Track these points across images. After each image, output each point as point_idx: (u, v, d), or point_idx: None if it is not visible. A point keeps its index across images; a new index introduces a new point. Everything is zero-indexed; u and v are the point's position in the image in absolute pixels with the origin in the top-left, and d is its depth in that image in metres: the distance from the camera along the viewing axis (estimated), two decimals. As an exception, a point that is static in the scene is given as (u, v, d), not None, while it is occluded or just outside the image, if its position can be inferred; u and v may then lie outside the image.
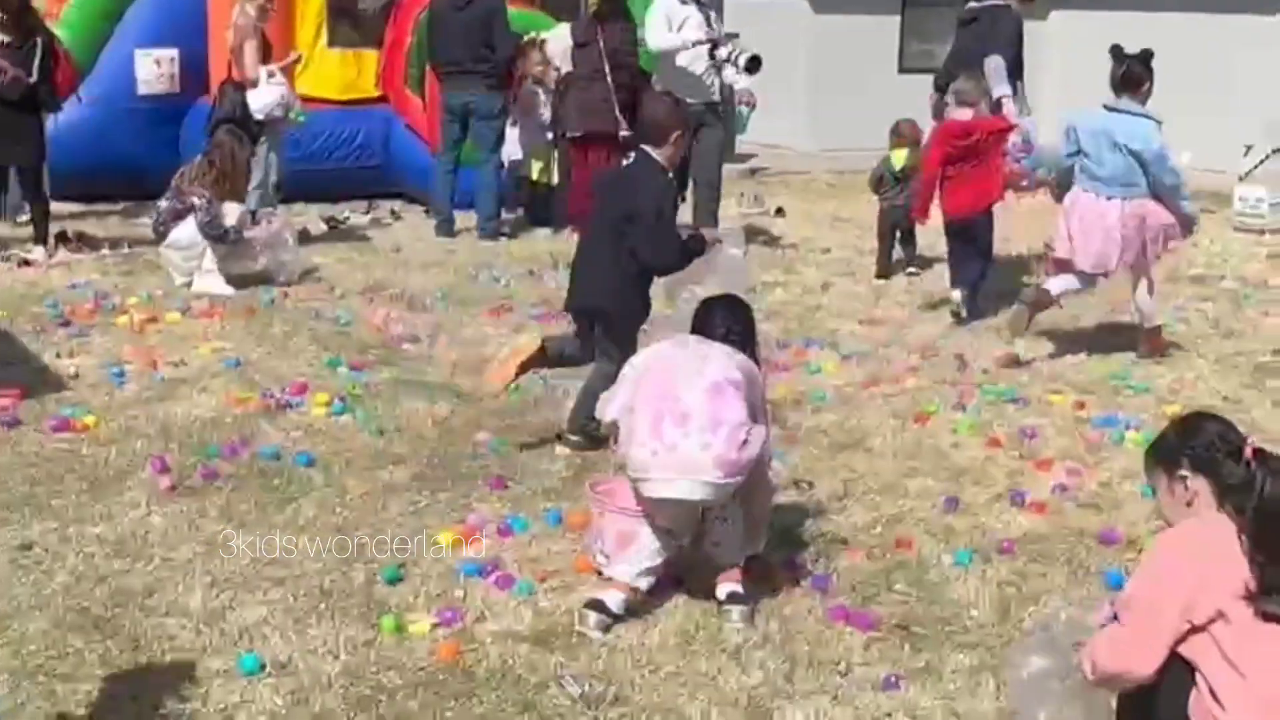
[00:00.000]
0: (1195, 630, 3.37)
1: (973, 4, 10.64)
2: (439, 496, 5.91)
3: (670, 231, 6.47)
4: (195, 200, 9.46)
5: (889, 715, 4.24)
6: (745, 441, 4.79)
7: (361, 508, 5.77)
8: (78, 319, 8.64)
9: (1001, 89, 9.97)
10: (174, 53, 12.88)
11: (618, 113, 11.23)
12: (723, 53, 11.11)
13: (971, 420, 7.11)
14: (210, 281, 9.46)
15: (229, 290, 9.41)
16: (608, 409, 5.12)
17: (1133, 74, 8.14)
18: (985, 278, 9.56)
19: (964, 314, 9.28)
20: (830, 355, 8.38)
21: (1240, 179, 14.41)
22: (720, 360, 4.95)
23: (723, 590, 4.87)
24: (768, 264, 11.00)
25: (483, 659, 4.49)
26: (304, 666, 4.39)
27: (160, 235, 9.69)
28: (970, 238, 9.46)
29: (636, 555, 4.91)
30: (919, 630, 4.81)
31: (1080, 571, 5.32)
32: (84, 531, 5.34)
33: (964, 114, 9.39)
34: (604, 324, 6.51)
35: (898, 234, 10.91)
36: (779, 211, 13.69)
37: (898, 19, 18.65)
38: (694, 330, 5.25)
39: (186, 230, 9.47)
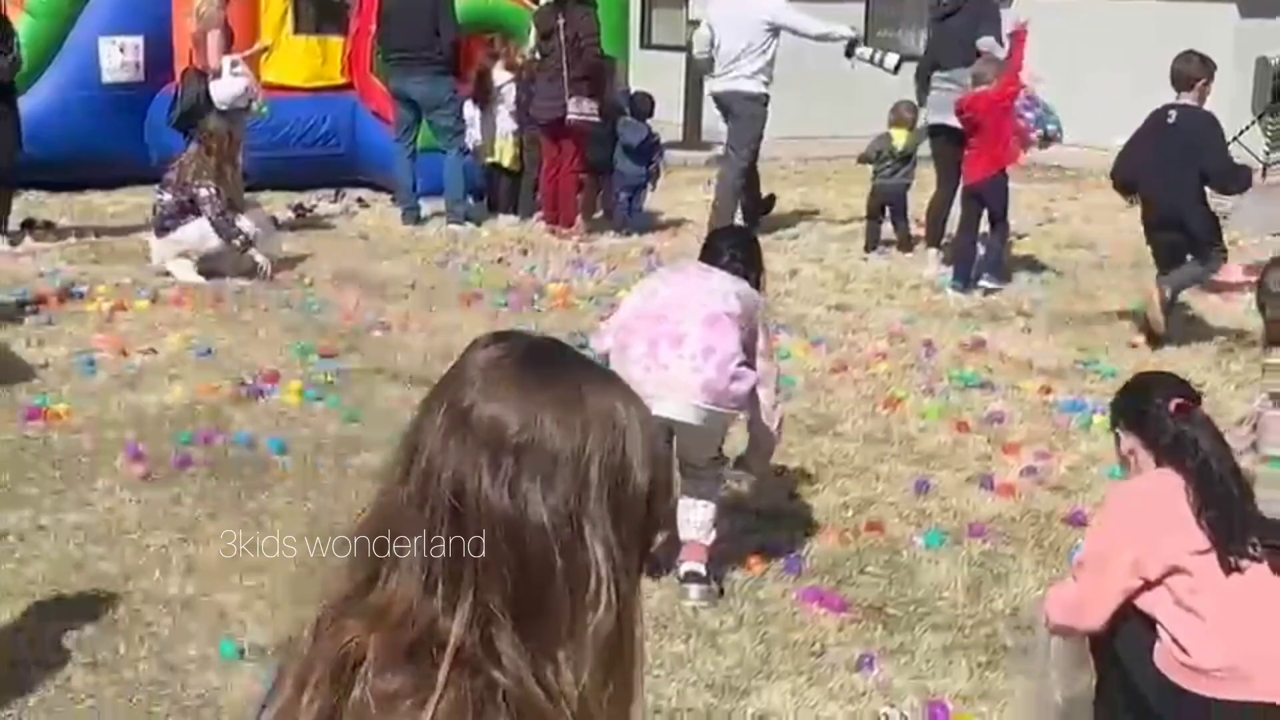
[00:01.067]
0: (1150, 585, 3.46)
1: None
2: (413, 482, 5.94)
3: None
4: (203, 192, 9.40)
5: (864, 695, 4.30)
6: (735, 376, 4.82)
7: (336, 494, 5.78)
8: (46, 307, 8.60)
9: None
10: (138, 40, 12.78)
11: (570, 106, 11.21)
12: (864, 52, 11.60)
13: (940, 405, 7.19)
14: (182, 268, 9.43)
15: (199, 279, 9.37)
16: (602, 340, 5.08)
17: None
18: (1003, 242, 10.15)
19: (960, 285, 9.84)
20: (799, 340, 8.44)
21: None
22: (720, 289, 4.96)
23: (684, 568, 4.92)
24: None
25: (460, 642, 4.52)
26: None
27: (163, 229, 9.60)
28: (982, 203, 9.90)
29: None
30: (892, 611, 4.87)
31: (1049, 553, 5.39)
32: (60, 519, 5.34)
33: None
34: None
35: (886, 210, 11.31)
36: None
37: (863, 7, 18.65)
38: (702, 257, 5.29)
39: (197, 228, 9.43)
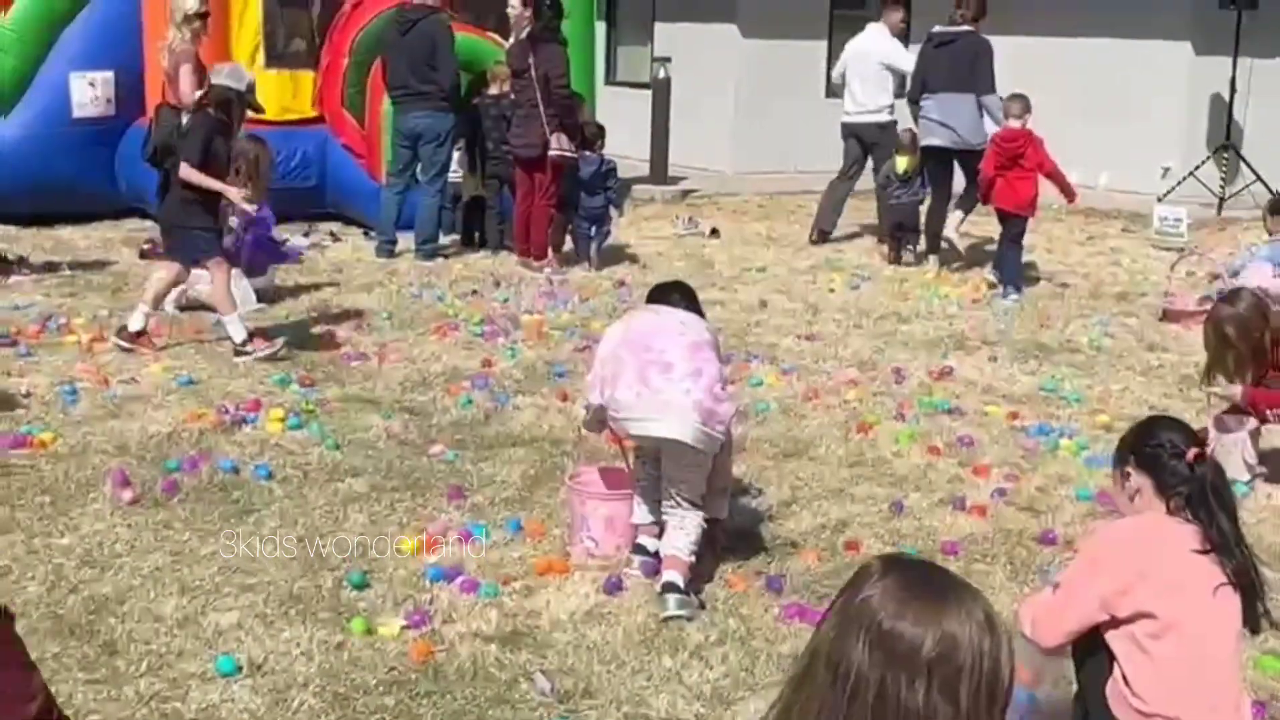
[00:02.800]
0: (1117, 623, 3.54)
1: (944, 29, 11.93)
2: (397, 506, 6.01)
3: None
4: (256, 213, 9.60)
5: (845, 705, 4.39)
6: (720, 398, 5.06)
7: (323, 517, 5.85)
8: (24, 339, 8.64)
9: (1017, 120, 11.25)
10: (109, 75, 12.83)
11: (547, 134, 11.35)
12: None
13: (911, 430, 7.30)
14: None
15: (176, 311, 9.44)
16: (592, 394, 5.20)
17: None
18: (1017, 263, 11.37)
19: (998, 285, 11.17)
20: (771, 369, 8.55)
21: (1159, 199, 14.80)
22: (695, 323, 5.29)
23: (663, 578, 5.03)
24: (706, 283, 11.16)
25: (454, 658, 4.60)
26: (279, 668, 4.49)
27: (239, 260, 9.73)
28: (1023, 222, 11.31)
29: (638, 511, 5.32)
30: (870, 626, 4.97)
31: (1021, 569, 5.50)
32: (51, 543, 5.40)
33: (1014, 124, 11.02)
34: None
35: (898, 228, 12.53)
36: (714, 233, 13.86)
37: (824, 44, 18.86)
38: (652, 301, 5.55)
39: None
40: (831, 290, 11.24)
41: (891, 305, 10.66)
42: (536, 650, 4.70)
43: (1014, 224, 11.27)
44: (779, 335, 9.54)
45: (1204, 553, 3.56)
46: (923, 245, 12.47)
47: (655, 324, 5.26)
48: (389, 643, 4.70)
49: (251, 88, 8.86)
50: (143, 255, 11.45)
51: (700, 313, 5.54)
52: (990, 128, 11.58)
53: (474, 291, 10.64)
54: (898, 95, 13.13)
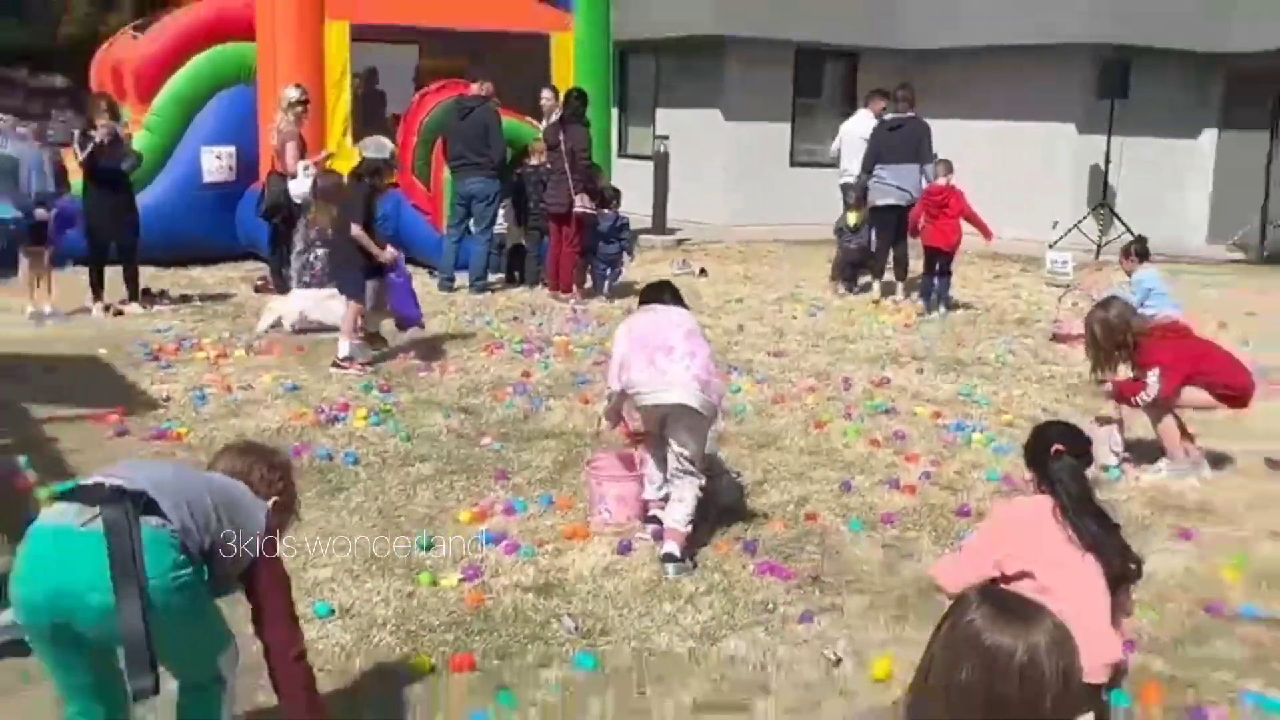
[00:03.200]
0: (1006, 579, 3.53)
1: (895, 115, 12.03)
2: (455, 485, 6.01)
3: None
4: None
5: (805, 641, 4.40)
6: (712, 373, 5.08)
7: (397, 494, 5.86)
8: (165, 355, 8.66)
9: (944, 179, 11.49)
10: (232, 149, 12.88)
11: (573, 195, 11.36)
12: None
13: (857, 426, 7.29)
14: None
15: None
16: (611, 384, 5.15)
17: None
18: (948, 287, 11.71)
19: (926, 311, 11.40)
20: (747, 379, 8.53)
21: (1050, 246, 14.80)
22: (684, 315, 5.30)
23: (664, 549, 5.03)
24: (695, 311, 11.12)
25: (499, 604, 4.61)
26: (364, 611, 4.50)
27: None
28: (937, 263, 11.50)
29: (649, 485, 5.28)
30: (825, 580, 4.96)
31: (943, 536, 5.50)
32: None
33: (940, 181, 11.32)
34: None
35: (849, 267, 12.62)
36: (702, 272, 13.84)
37: (789, 125, 18.90)
38: (647, 302, 5.49)
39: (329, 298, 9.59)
40: (794, 317, 11.20)
41: (841, 329, 10.63)
42: (564, 598, 4.70)
43: (944, 259, 11.42)
44: (753, 352, 9.52)
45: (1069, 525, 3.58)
46: (868, 279, 12.45)
47: (654, 320, 5.23)
48: (449, 592, 4.71)
49: (394, 155, 8.85)
50: (256, 289, 11.48)
51: (685, 306, 5.51)
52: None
53: (515, 318, 10.63)
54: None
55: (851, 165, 12.75)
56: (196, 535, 2.93)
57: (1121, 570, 3.60)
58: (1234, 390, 6.39)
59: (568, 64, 13.88)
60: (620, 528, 5.40)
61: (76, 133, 10.18)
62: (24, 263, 10.11)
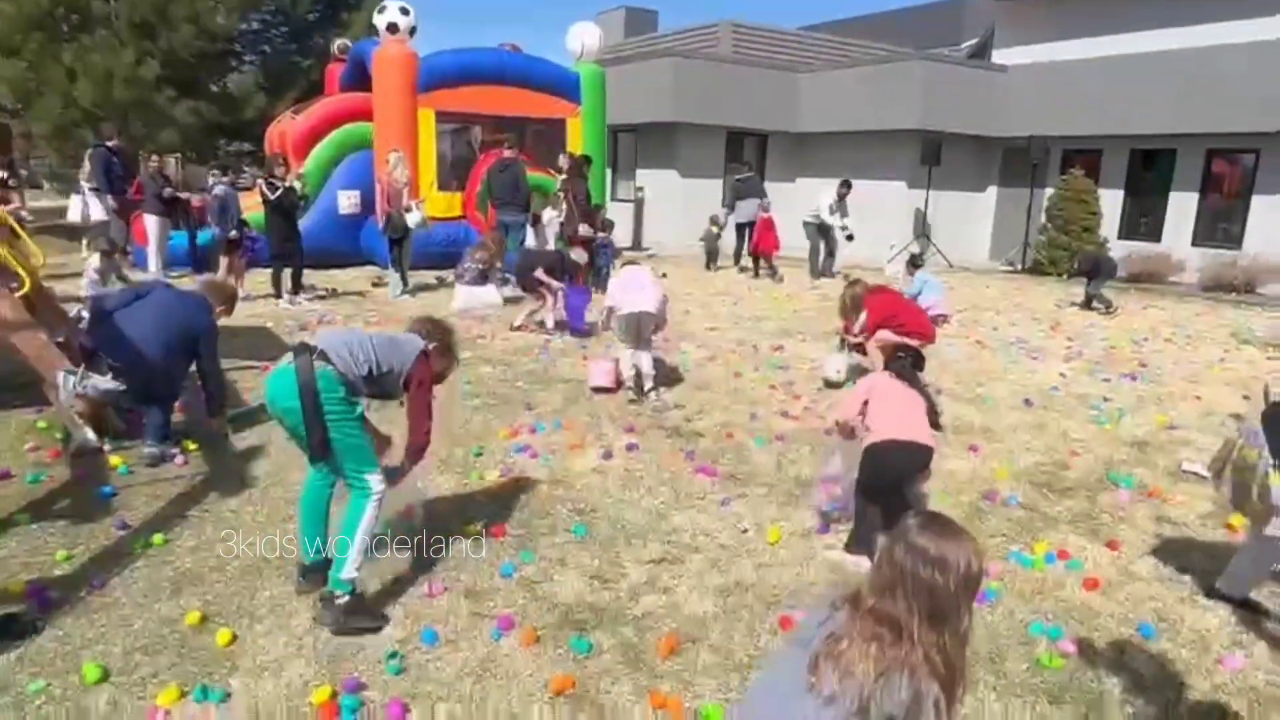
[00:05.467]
0: (864, 412, 3.85)
1: (743, 174, 12.94)
2: (498, 413, 5.87)
3: None
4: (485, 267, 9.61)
5: (725, 519, 4.32)
6: (662, 303, 5.93)
7: (460, 419, 5.72)
8: (310, 328, 8.43)
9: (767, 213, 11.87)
10: (357, 192, 12.56)
11: (580, 229, 11.13)
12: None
13: (762, 377, 7.14)
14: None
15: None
16: (607, 303, 6.00)
17: None
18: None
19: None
20: (691, 345, 8.35)
21: (888, 261, 14.64)
22: (648, 273, 6.08)
23: (647, 386, 5.95)
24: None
25: (524, 490, 4.51)
26: (438, 495, 4.38)
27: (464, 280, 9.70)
28: (768, 257, 12.19)
29: (624, 366, 6.09)
30: (738, 476, 4.87)
31: (818, 446, 5.38)
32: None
33: (765, 214, 12.34)
34: None
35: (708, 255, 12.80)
36: (664, 275, 13.58)
37: (720, 180, 18.64)
38: (627, 264, 6.28)
39: (490, 291, 9.52)
40: (723, 305, 11.04)
41: (754, 311, 10.48)
42: (566, 488, 4.59)
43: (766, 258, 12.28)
44: (697, 326, 9.35)
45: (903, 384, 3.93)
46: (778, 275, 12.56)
47: (635, 272, 6.01)
48: (492, 483, 4.61)
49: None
50: (374, 285, 11.23)
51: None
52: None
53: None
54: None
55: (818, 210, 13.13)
56: (356, 367, 3.23)
57: (930, 406, 3.95)
58: (918, 333, 6.48)
59: (577, 138, 13.60)
60: (604, 437, 5.27)
61: (261, 181, 9.88)
62: (224, 264, 9.86)
